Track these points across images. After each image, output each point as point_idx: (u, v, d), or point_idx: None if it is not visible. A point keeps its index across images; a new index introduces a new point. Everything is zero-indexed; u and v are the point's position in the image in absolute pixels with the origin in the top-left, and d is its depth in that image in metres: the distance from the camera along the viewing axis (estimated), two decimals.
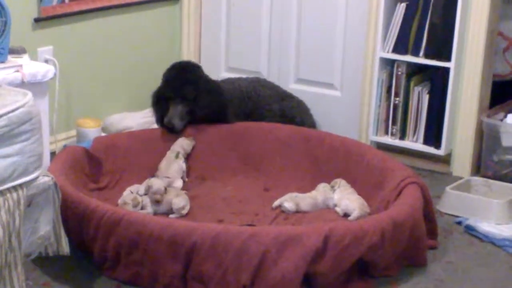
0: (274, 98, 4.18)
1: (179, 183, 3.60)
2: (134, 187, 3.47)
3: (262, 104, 4.12)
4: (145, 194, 3.38)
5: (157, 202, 3.35)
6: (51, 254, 2.67)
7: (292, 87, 4.46)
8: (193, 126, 3.88)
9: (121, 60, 4.46)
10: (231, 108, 3.99)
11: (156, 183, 3.39)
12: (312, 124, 4.21)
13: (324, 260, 2.80)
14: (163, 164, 3.68)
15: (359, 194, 3.47)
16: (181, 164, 3.70)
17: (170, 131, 3.83)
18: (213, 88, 3.90)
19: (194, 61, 4.21)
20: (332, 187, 3.53)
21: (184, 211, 3.37)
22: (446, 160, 4.12)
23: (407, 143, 4.16)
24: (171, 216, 3.34)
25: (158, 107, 3.90)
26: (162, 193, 3.36)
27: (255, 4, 4.55)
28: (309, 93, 4.42)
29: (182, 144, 3.79)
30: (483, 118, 4.02)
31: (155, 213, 3.34)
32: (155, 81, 3.98)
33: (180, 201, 3.37)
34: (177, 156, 3.71)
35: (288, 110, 4.16)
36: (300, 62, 4.48)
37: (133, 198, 3.33)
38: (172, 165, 3.67)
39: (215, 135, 3.90)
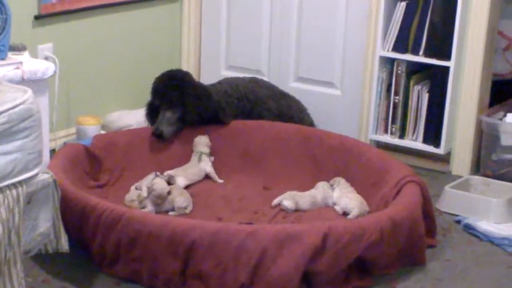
0: (271, 97, 4.17)
1: (181, 180, 3.60)
2: (138, 184, 3.47)
3: (260, 103, 4.11)
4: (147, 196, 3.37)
5: (157, 205, 3.35)
6: (50, 251, 2.67)
7: (292, 86, 4.46)
8: (191, 127, 3.88)
9: (121, 58, 4.46)
10: (228, 108, 3.99)
11: (159, 186, 3.35)
12: (309, 123, 4.21)
13: (323, 258, 2.80)
14: (182, 167, 3.71)
15: (358, 192, 3.48)
16: (202, 166, 3.72)
17: (159, 138, 3.81)
18: (200, 92, 3.87)
19: (182, 69, 4.19)
20: (331, 185, 3.54)
21: (187, 211, 3.37)
22: (445, 159, 4.13)
23: (406, 142, 4.16)
24: (171, 213, 3.34)
25: (150, 117, 3.92)
26: (164, 197, 3.35)
27: (256, 2, 4.55)
28: (309, 91, 4.42)
29: (202, 141, 3.78)
30: (483, 117, 4.02)
31: (157, 212, 3.34)
32: None
33: (183, 200, 3.37)
34: (199, 159, 3.73)
35: (285, 109, 4.16)
36: (300, 61, 4.48)
37: (138, 195, 3.32)
38: (191, 169, 3.69)
39: (214, 134, 3.90)
